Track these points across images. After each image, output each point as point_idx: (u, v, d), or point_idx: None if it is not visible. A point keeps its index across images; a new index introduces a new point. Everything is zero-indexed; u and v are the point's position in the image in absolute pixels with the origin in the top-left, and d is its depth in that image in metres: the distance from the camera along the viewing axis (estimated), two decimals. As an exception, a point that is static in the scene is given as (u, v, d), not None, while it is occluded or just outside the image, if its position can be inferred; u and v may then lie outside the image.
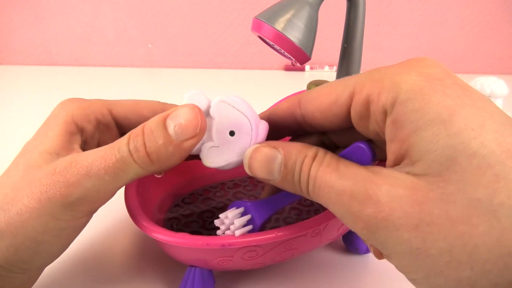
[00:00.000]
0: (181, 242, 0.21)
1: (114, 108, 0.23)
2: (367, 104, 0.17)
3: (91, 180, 0.19)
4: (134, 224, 0.22)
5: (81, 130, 0.22)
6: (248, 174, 0.34)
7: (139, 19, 0.79)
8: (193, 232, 0.27)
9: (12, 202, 0.19)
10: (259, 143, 0.20)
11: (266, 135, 0.21)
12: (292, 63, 0.81)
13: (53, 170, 0.19)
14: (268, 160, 0.18)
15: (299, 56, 0.24)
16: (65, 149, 0.20)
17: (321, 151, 0.18)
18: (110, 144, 0.20)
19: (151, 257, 0.28)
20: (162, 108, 0.24)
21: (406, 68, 0.16)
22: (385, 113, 0.16)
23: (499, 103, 0.43)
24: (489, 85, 0.42)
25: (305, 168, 0.17)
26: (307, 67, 0.81)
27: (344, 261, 0.28)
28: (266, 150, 0.19)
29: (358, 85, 0.17)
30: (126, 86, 0.67)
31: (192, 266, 0.23)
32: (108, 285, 0.25)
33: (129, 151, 0.19)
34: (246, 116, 0.20)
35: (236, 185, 0.33)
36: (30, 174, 0.20)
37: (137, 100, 0.24)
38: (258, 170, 0.19)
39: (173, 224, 0.28)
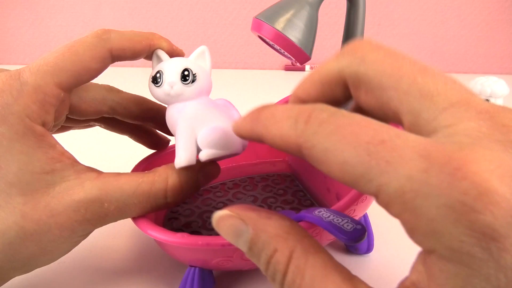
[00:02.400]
0: (181, 242, 0.21)
1: (62, 80, 0.21)
2: None
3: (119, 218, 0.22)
4: (134, 224, 0.22)
5: (42, 124, 0.20)
6: (248, 174, 0.34)
7: (139, 19, 0.79)
8: (193, 232, 0.27)
9: (41, 233, 0.19)
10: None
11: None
12: (292, 63, 0.81)
13: (77, 206, 0.20)
14: (235, 233, 0.15)
15: (299, 56, 0.24)
16: (51, 160, 0.20)
17: (298, 250, 0.13)
18: (143, 191, 0.21)
19: (151, 257, 0.28)
20: (101, 61, 0.22)
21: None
22: None
23: (499, 103, 0.43)
24: (490, 85, 0.42)
25: (279, 268, 0.14)
26: (307, 67, 0.81)
27: (344, 261, 0.27)
28: (232, 222, 0.15)
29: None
30: (125, 86, 0.67)
31: (192, 266, 0.23)
32: (108, 285, 0.25)
33: (167, 202, 0.22)
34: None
35: (236, 185, 0.33)
36: (44, 203, 0.19)
37: (77, 54, 0.21)
38: (225, 235, 0.16)
39: (173, 224, 0.28)
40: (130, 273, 0.26)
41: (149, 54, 0.24)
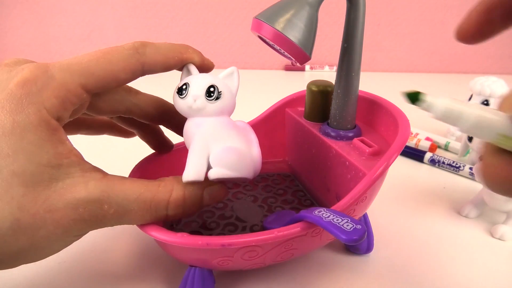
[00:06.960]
0: (181, 242, 0.21)
1: (89, 83, 0.21)
2: None
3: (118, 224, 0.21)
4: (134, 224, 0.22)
5: (58, 119, 0.20)
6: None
7: (139, 19, 0.79)
8: (193, 232, 0.27)
9: (35, 228, 0.19)
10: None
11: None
12: (292, 63, 0.82)
13: (77, 204, 0.20)
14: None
15: (299, 56, 0.24)
16: (59, 154, 0.20)
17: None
18: (145, 198, 0.21)
19: (151, 257, 0.28)
20: (133, 70, 0.22)
21: None
22: None
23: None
24: (489, 85, 0.42)
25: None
26: (307, 67, 0.81)
27: (344, 261, 0.28)
28: None
29: None
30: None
31: (192, 266, 0.23)
32: (108, 285, 0.25)
33: (167, 214, 0.22)
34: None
35: (236, 185, 0.33)
36: (44, 197, 0.19)
37: (110, 63, 0.21)
38: None
39: (173, 224, 0.28)
40: (130, 273, 0.26)
41: (180, 67, 0.24)
